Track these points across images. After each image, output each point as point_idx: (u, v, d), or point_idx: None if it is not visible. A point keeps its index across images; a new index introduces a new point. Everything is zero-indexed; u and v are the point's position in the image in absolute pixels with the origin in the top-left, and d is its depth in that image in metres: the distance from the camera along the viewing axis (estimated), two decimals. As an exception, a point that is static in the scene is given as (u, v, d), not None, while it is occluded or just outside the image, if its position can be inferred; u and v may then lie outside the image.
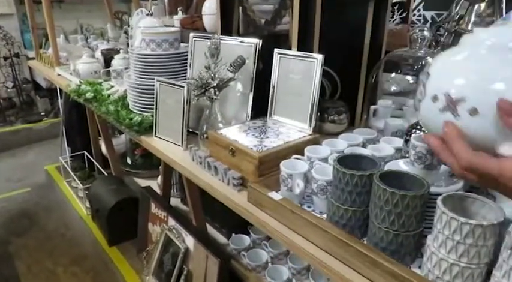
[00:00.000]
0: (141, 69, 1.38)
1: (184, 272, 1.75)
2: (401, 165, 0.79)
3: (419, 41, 1.09)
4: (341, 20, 1.17)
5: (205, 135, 1.12)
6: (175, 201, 2.17)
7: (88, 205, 2.48)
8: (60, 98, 2.94)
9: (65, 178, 2.91)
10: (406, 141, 0.91)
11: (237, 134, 1.04)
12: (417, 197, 0.65)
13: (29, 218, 2.62)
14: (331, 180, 0.80)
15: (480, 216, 0.63)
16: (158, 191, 2.14)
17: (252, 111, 1.16)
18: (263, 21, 1.37)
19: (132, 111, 1.41)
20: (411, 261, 0.71)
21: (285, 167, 0.87)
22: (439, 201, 0.62)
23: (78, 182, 2.53)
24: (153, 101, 1.30)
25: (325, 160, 0.92)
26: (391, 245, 0.68)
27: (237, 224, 1.72)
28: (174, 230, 1.83)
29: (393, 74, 1.16)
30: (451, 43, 1.47)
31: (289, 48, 1.09)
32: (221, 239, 1.87)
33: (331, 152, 0.94)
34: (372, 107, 1.18)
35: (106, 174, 2.60)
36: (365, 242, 0.75)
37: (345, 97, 1.34)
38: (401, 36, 1.55)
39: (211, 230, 1.91)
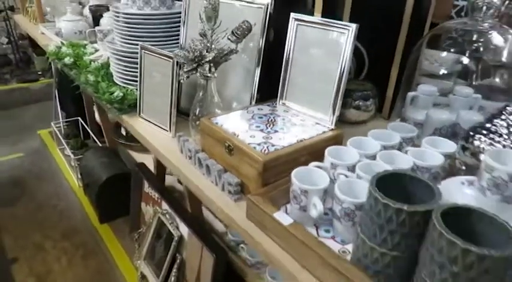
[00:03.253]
0: (126, 33, 1.12)
1: (178, 261, 1.57)
2: (466, 191, 0.55)
3: (484, 9, 0.81)
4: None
5: (197, 122, 0.88)
6: (171, 180, 1.96)
7: (80, 177, 2.30)
8: (52, 58, 2.68)
9: (57, 145, 2.71)
10: (464, 148, 0.67)
11: (237, 124, 0.80)
12: (503, 259, 0.42)
13: (19, 186, 2.46)
14: (362, 203, 0.57)
15: None
16: (153, 166, 1.93)
17: (258, 92, 0.91)
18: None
19: (115, 83, 1.17)
20: None
21: (298, 179, 0.64)
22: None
23: (70, 153, 2.33)
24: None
25: (351, 168, 0.68)
26: (451, 318, 0.46)
27: (237, 211, 1.52)
28: (167, 215, 1.64)
29: (444, 53, 0.89)
30: None
31: (311, 14, 0.81)
32: (219, 226, 1.67)
33: (359, 156, 0.70)
34: (410, 94, 0.91)
35: (100, 145, 2.40)
36: (407, 300, 0.53)
37: (373, 77, 1.07)
38: (445, 4, 1.24)
39: (207, 215, 1.72)
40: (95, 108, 2.47)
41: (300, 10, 0.83)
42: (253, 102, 0.91)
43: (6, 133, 3.08)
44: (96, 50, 1.42)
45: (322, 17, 0.79)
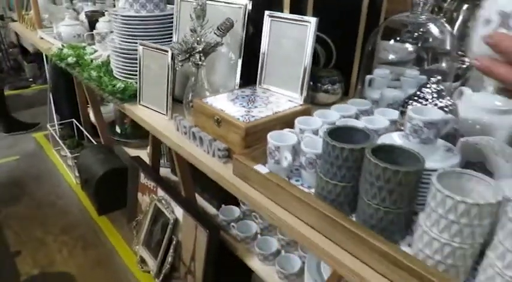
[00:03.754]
0: (124, 33, 1.30)
1: (174, 242, 1.74)
2: (395, 138, 0.74)
3: (421, 5, 1.01)
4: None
5: (190, 104, 1.06)
6: (164, 172, 2.13)
7: (77, 174, 2.44)
8: (47, 63, 2.83)
9: (53, 146, 2.85)
10: (402, 113, 0.86)
11: (223, 103, 0.98)
12: (411, 173, 0.60)
13: (18, 186, 2.59)
14: (320, 153, 0.75)
15: (476, 194, 0.59)
16: (148, 161, 2.09)
17: (240, 79, 1.10)
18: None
19: (116, 78, 1.34)
20: (401, 238, 0.67)
21: (272, 138, 0.82)
22: (434, 179, 0.57)
23: (67, 151, 2.48)
24: (138, 67, 1.23)
25: (316, 132, 0.87)
26: (381, 223, 0.64)
27: (227, 195, 1.68)
28: (163, 201, 1.80)
29: (391, 42, 1.09)
30: (454, 9, 1.39)
31: (282, 11, 1.01)
32: (211, 210, 1.84)
33: (322, 123, 0.89)
34: (368, 77, 1.11)
35: (95, 143, 2.55)
36: (353, 218, 0.71)
37: (339, 66, 1.27)
38: (401, 1, 1.46)
39: (200, 201, 1.89)
40: (89, 110, 2.62)
41: (273, 8, 1.03)
42: (237, 87, 1.10)
43: (0, 138, 3.20)
44: (96, 51, 1.59)
45: (290, 13, 0.98)
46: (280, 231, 1.52)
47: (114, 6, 1.98)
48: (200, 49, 0.98)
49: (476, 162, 0.74)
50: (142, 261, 1.89)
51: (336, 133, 0.72)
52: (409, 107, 0.75)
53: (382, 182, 0.62)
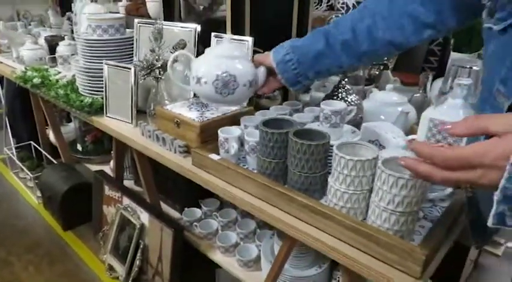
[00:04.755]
0: (89, 54, 1.50)
1: (141, 246, 1.89)
2: (313, 125, 1.01)
3: (324, 1, 1.31)
4: (271, 8, 1.37)
5: (153, 112, 1.27)
6: (128, 184, 2.28)
7: (39, 194, 2.53)
8: (1, 88, 2.91)
9: (11, 169, 2.90)
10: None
11: (181, 109, 1.21)
12: (319, 145, 0.86)
13: (-25, 211, 2.61)
14: (259, 140, 0.99)
15: (364, 156, 0.86)
16: (112, 172, 2.24)
17: (195, 90, 1.33)
18: (202, 7, 1.53)
19: (82, 95, 1.52)
20: (320, 197, 0.92)
21: (222, 132, 1.06)
22: (334, 147, 0.83)
23: (28, 172, 2.56)
24: (102, 84, 1.43)
25: (257, 127, 1.11)
26: (303, 185, 0.89)
27: (189, 199, 1.89)
28: (129, 208, 1.96)
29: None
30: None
31: (225, 32, 1.26)
32: (174, 214, 2.02)
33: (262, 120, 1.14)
34: (300, 83, 1.39)
35: (56, 163, 2.65)
36: (286, 186, 0.96)
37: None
38: (324, 22, 1.78)
39: (164, 207, 2.06)
40: (48, 131, 2.73)
41: (218, 30, 1.28)
42: (192, 97, 1.33)
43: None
44: (59, 72, 1.77)
45: (232, 34, 1.24)
46: (239, 226, 1.74)
47: (72, 31, 2.17)
48: (159, 65, 1.21)
49: (374, 140, 1.01)
50: (111, 268, 2.02)
51: (269, 124, 0.97)
52: (322, 102, 1.02)
53: (301, 154, 0.87)
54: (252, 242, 1.71)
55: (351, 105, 1.06)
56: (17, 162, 2.72)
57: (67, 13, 2.69)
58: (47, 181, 2.39)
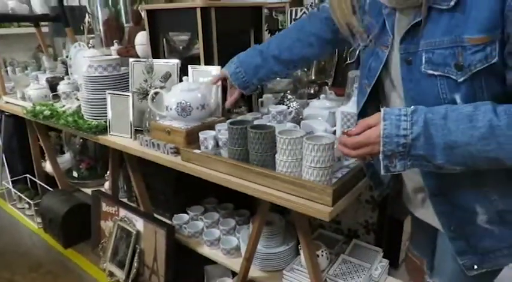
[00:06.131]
0: (92, 87, 1.94)
1: (138, 251, 2.25)
2: (264, 122, 1.47)
3: None
4: (233, 43, 1.86)
5: (147, 127, 1.71)
6: (123, 201, 2.66)
7: (39, 220, 2.86)
8: (-3, 128, 3.29)
9: (9, 202, 3.23)
10: (274, 113, 1.60)
11: (170, 122, 1.66)
12: (267, 133, 1.32)
13: (-22, 242, 2.90)
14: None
15: (299, 139, 1.32)
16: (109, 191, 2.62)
17: (179, 108, 1.79)
18: (181, 47, 2.02)
19: (87, 120, 1.96)
20: (272, 169, 1.37)
21: (202, 134, 1.51)
22: (277, 132, 1.29)
23: (28, 200, 2.90)
24: (104, 111, 1.87)
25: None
26: (260, 162, 1.34)
27: (177, 208, 2.30)
28: (125, 218, 2.33)
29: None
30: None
31: (199, 64, 1.74)
32: (165, 221, 2.41)
33: (231, 125, 1.59)
34: (259, 100, 1.87)
35: (53, 190, 3.00)
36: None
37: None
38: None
39: (156, 216, 2.45)
40: (43, 163, 3.10)
41: (194, 63, 1.76)
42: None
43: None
44: (64, 105, 2.20)
45: (204, 65, 1.72)
46: (221, 224, 2.13)
47: (66, 72, 2.63)
48: (152, 91, 1.66)
49: (310, 132, 1.47)
50: (111, 274, 2.36)
51: (235, 124, 1.43)
52: (271, 105, 1.49)
53: (256, 140, 1.32)
54: (233, 235, 2.11)
55: (292, 109, 1.54)
56: (17, 192, 3.06)
57: (59, 58, 3.18)
58: (47, 205, 2.74)
